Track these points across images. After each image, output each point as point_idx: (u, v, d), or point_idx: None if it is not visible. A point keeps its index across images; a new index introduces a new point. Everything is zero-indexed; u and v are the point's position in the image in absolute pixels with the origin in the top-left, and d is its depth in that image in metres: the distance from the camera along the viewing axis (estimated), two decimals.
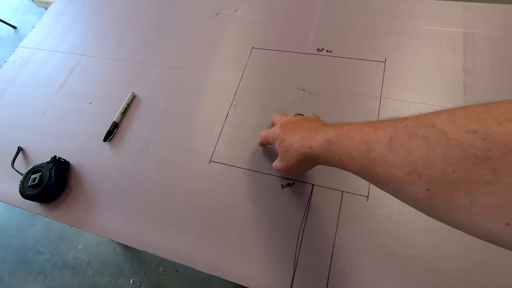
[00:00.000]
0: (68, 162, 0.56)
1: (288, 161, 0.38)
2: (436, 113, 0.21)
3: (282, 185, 0.48)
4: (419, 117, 0.22)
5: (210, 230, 0.47)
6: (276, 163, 0.42)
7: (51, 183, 0.51)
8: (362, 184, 0.46)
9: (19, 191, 0.52)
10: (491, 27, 0.55)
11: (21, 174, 0.54)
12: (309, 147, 0.33)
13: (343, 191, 0.46)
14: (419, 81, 0.53)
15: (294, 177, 0.48)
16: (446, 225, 0.21)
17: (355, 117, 0.51)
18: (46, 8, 1.82)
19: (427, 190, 0.20)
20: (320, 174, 0.48)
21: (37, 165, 0.53)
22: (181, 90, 0.60)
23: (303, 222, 0.45)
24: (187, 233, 0.47)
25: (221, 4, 0.70)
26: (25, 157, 0.60)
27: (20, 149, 0.60)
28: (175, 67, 0.63)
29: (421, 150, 0.20)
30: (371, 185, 0.45)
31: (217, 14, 0.69)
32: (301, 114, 0.47)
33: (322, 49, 0.59)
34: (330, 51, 0.59)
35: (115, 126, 0.58)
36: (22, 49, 0.76)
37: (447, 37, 0.56)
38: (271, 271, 0.43)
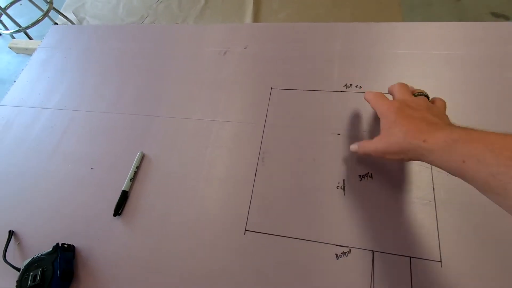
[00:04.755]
0: (73, 246, 0.47)
1: (389, 144, 0.35)
2: None
3: (336, 254, 0.41)
4: None
5: None
6: (371, 142, 0.39)
7: (55, 280, 0.42)
8: (431, 246, 0.39)
9: None
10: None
11: (17, 269, 0.45)
12: (423, 141, 0.31)
13: (410, 257, 0.39)
14: (466, 112, 0.47)
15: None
16: None
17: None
18: (29, 55, 1.71)
19: None
20: (380, 237, 0.41)
21: (36, 258, 0.44)
22: (197, 144, 0.53)
23: None
24: None
25: (227, 41, 0.64)
26: (19, 242, 0.50)
27: (12, 233, 0.50)
28: (186, 118, 0.56)
29: None
30: (443, 247, 0.39)
31: (224, 53, 0.63)
32: (426, 95, 0.41)
33: (351, 85, 0.54)
34: (360, 87, 0.53)
35: (124, 195, 0.50)
36: (3, 108, 0.67)
37: (488, 61, 0.51)
38: None
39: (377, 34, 0.58)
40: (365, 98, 0.43)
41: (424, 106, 0.37)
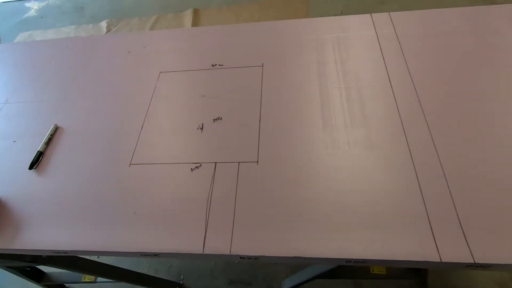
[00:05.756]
0: None
1: None
2: None
3: (191, 169, 0.58)
4: None
5: (134, 218, 0.54)
6: None
7: None
8: (252, 153, 0.58)
9: None
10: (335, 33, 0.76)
11: None
12: None
13: (239, 162, 0.57)
14: (287, 74, 0.69)
15: None
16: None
17: (243, 107, 0.65)
18: None
19: None
20: (220, 152, 0.59)
21: None
22: (99, 115, 0.70)
23: (210, 194, 0.55)
24: (114, 224, 0.53)
25: (131, 44, 0.84)
26: None
27: None
28: (94, 98, 0.73)
29: None
30: (260, 151, 0.58)
31: (128, 52, 0.82)
32: None
33: (216, 64, 0.74)
34: (222, 65, 0.74)
35: (39, 155, 0.64)
36: None
37: (304, 43, 0.75)
38: (188, 237, 0.50)
39: (241, 32, 0.81)
40: None
41: None
